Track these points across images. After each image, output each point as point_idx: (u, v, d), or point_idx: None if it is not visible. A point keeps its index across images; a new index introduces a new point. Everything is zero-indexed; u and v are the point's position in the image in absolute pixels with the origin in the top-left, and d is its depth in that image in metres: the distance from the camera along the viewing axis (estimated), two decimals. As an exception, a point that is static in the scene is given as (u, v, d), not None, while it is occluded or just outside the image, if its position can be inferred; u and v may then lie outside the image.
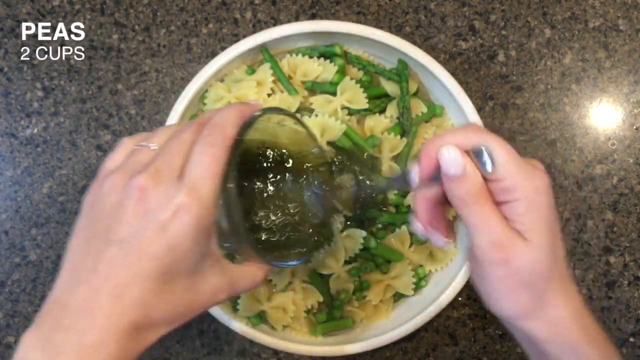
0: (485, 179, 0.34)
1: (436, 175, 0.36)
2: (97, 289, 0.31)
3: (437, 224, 0.38)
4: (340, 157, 0.49)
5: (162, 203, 0.32)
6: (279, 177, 0.43)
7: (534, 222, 0.34)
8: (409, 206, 0.51)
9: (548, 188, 0.35)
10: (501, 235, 0.34)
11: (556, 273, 0.35)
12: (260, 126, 0.38)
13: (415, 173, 0.36)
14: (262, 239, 0.41)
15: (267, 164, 0.42)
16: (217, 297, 0.35)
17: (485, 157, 0.34)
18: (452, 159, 0.34)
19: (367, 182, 0.45)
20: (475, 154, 0.34)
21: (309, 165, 0.44)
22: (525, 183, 0.34)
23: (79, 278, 0.32)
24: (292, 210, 0.43)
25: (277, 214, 0.42)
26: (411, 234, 0.51)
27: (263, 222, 0.42)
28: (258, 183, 0.42)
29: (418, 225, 0.38)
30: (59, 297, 0.32)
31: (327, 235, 0.50)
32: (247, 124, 0.36)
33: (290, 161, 0.43)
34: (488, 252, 0.35)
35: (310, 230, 0.43)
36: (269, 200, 0.42)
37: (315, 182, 0.43)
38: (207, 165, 0.34)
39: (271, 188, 0.42)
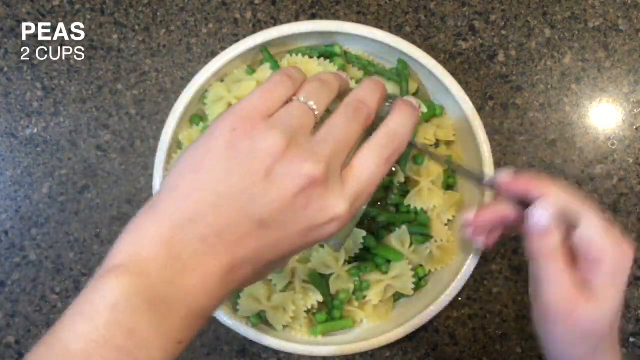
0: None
1: (513, 200, 0.38)
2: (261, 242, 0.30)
3: (486, 232, 0.40)
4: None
5: (323, 207, 0.30)
6: None
7: (608, 289, 0.35)
8: (408, 206, 0.51)
9: (629, 263, 0.36)
10: (569, 291, 0.35)
11: (612, 330, 0.36)
12: None
13: (502, 185, 0.38)
14: None
15: None
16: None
17: (572, 225, 0.36)
18: (541, 219, 0.36)
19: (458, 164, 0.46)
20: (562, 217, 0.36)
21: None
22: (610, 256, 0.35)
23: (229, 217, 0.29)
24: None
25: None
26: (411, 234, 0.51)
27: None
28: None
29: (470, 225, 0.40)
30: (201, 216, 0.29)
31: None
32: None
33: None
34: (554, 306, 0.36)
35: None
36: None
37: None
38: (376, 179, 0.32)
39: None
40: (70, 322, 0.27)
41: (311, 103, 0.32)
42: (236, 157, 0.29)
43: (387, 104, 0.38)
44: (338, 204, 0.30)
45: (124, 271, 0.28)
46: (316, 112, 0.32)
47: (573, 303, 0.35)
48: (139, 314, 0.27)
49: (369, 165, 0.32)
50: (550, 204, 0.36)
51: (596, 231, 0.35)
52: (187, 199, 0.29)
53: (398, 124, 0.34)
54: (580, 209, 0.36)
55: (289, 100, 0.33)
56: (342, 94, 0.36)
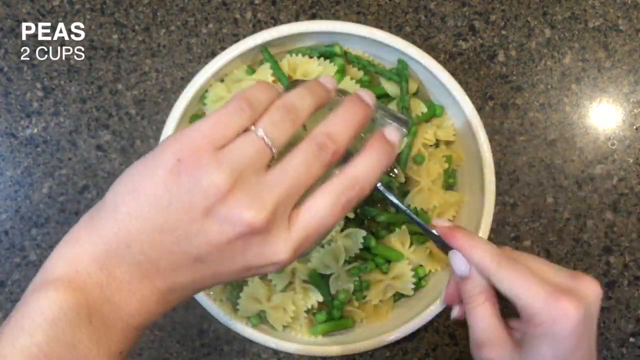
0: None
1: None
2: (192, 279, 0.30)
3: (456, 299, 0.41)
4: None
5: (262, 253, 0.29)
6: None
7: (539, 349, 0.33)
8: (408, 206, 0.51)
9: (575, 322, 0.32)
10: (488, 335, 0.35)
11: None
12: None
13: (440, 232, 0.40)
14: None
15: None
16: None
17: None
18: (460, 261, 0.37)
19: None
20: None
21: None
22: (543, 309, 0.33)
23: (162, 246, 0.29)
24: None
25: None
26: (411, 234, 0.51)
27: None
28: None
29: (448, 299, 0.42)
30: (127, 236, 0.29)
31: None
32: None
33: None
34: (473, 349, 0.36)
35: None
36: None
37: None
38: (327, 226, 0.30)
39: None
40: (9, 337, 0.27)
41: (268, 139, 0.30)
42: (177, 190, 0.28)
43: (377, 115, 0.37)
44: (279, 251, 0.29)
45: (62, 286, 0.28)
46: (273, 150, 0.30)
47: (492, 348, 0.35)
48: (78, 328, 0.27)
49: (321, 211, 0.30)
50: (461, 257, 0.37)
51: (518, 289, 0.34)
52: (125, 225, 0.29)
53: (363, 170, 0.31)
54: (490, 266, 0.35)
55: (247, 129, 0.30)
56: (331, 102, 0.34)
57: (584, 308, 0.32)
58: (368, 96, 0.34)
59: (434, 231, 0.41)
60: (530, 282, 0.34)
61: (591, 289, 0.34)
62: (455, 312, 0.41)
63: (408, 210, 0.43)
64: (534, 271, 0.35)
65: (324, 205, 0.30)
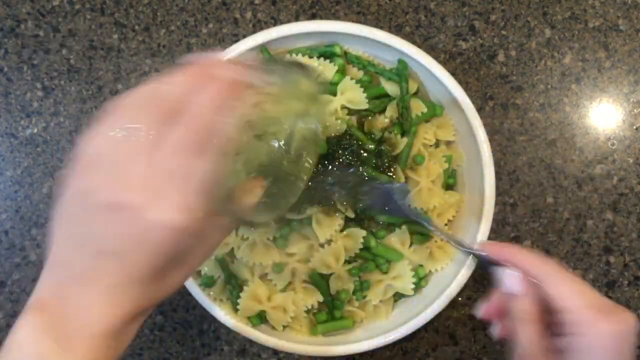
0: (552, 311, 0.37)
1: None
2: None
3: (500, 318, 0.41)
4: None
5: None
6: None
7: None
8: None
9: (622, 336, 0.35)
10: (532, 350, 0.36)
11: None
12: None
13: (486, 251, 0.40)
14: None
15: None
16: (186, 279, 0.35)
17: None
18: (513, 279, 0.38)
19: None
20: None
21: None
22: (590, 322, 0.35)
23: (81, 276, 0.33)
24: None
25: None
26: (411, 234, 0.51)
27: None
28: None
29: (484, 317, 0.41)
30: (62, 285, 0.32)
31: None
32: None
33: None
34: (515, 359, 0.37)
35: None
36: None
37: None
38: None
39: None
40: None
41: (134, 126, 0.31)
42: (85, 201, 0.33)
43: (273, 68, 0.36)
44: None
45: (31, 309, 0.31)
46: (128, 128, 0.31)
47: None
48: (44, 343, 0.30)
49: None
50: (516, 273, 0.38)
51: (564, 293, 0.36)
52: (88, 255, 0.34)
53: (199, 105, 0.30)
54: (542, 271, 0.37)
55: None
56: (279, 74, 0.34)
57: (625, 331, 0.35)
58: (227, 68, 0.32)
59: (475, 251, 0.42)
60: (582, 293, 0.36)
61: (630, 317, 0.36)
62: (497, 331, 0.42)
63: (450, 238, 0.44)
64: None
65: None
